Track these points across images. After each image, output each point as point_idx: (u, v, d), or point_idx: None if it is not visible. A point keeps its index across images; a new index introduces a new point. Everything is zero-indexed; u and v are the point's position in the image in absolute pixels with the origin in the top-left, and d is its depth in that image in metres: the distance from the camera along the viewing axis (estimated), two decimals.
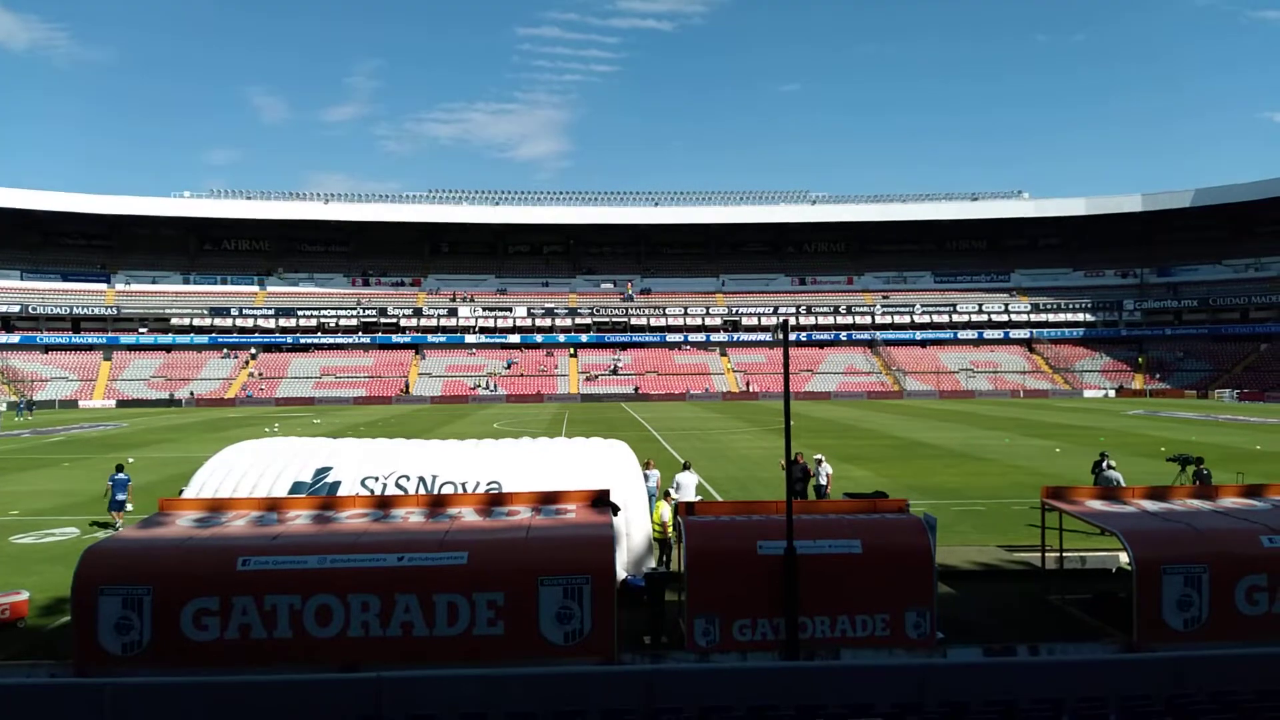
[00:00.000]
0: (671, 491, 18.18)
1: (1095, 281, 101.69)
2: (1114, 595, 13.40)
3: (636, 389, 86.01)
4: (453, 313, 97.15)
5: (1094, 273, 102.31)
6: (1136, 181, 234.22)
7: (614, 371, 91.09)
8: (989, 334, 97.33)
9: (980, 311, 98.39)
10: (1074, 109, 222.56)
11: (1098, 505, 13.67)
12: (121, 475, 20.84)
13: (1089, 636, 12.38)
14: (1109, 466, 20.03)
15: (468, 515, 12.51)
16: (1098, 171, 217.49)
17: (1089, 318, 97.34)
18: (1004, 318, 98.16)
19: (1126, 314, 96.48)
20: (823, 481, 20.44)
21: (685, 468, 19.87)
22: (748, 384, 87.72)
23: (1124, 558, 14.69)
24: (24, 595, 13.44)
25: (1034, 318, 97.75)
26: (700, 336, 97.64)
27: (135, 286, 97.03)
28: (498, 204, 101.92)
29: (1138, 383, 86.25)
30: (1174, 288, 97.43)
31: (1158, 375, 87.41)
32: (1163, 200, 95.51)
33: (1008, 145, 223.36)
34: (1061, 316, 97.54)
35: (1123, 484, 18.30)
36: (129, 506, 20.65)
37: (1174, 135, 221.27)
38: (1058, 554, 15.15)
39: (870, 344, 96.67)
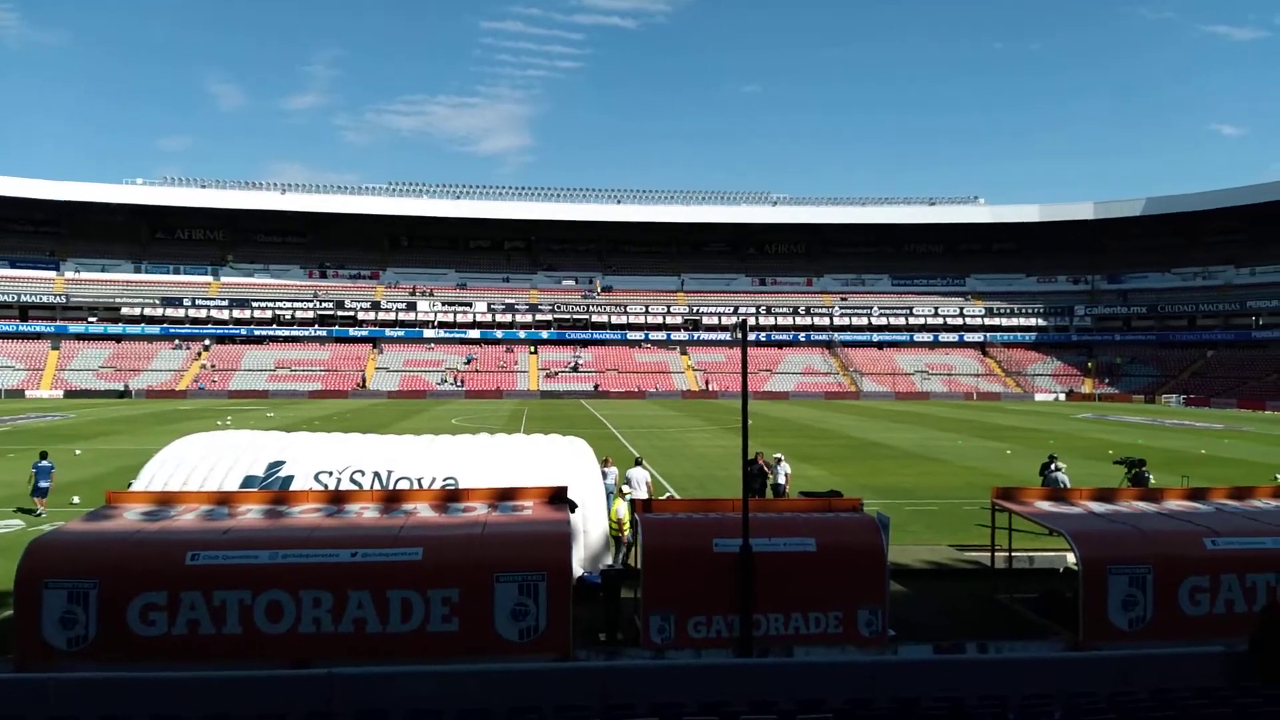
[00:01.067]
0: (624, 488, 18.24)
1: (1048, 287, 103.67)
2: (1061, 594, 13.66)
3: (597, 386, 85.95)
4: (412, 307, 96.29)
5: (1047, 278, 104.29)
6: (1091, 186, 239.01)
7: (574, 369, 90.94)
8: (944, 337, 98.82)
9: (936, 315, 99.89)
10: (1029, 114, 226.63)
11: (1046, 506, 13.93)
12: (45, 463, 21.16)
13: (1036, 635, 12.62)
14: (1056, 468, 20.42)
15: (423, 511, 12.42)
16: (1054, 175, 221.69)
17: (1041, 322, 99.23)
18: (959, 321, 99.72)
19: (1078, 319, 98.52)
20: (781, 480, 20.59)
21: (637, 463, 19.95)
22: (707, 383, 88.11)
23: (1071, 558, 14.99)
24: None
25: (988, 321, 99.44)
26: (661, 335, 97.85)
27: (85, 275, 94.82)
28: (459, 198, 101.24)
29: (1087, 387, 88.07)
30: (1124, 294, 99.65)
31: (1107, 380, 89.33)
32: (1114, 209, 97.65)
33: (965, 147, 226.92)
34: (1015, 321, 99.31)
35: (1069, 485, 18.67)
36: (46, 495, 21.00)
37: (1127, 143, 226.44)
38: (1007, 554, 15.42)
39: (828, 345, 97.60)
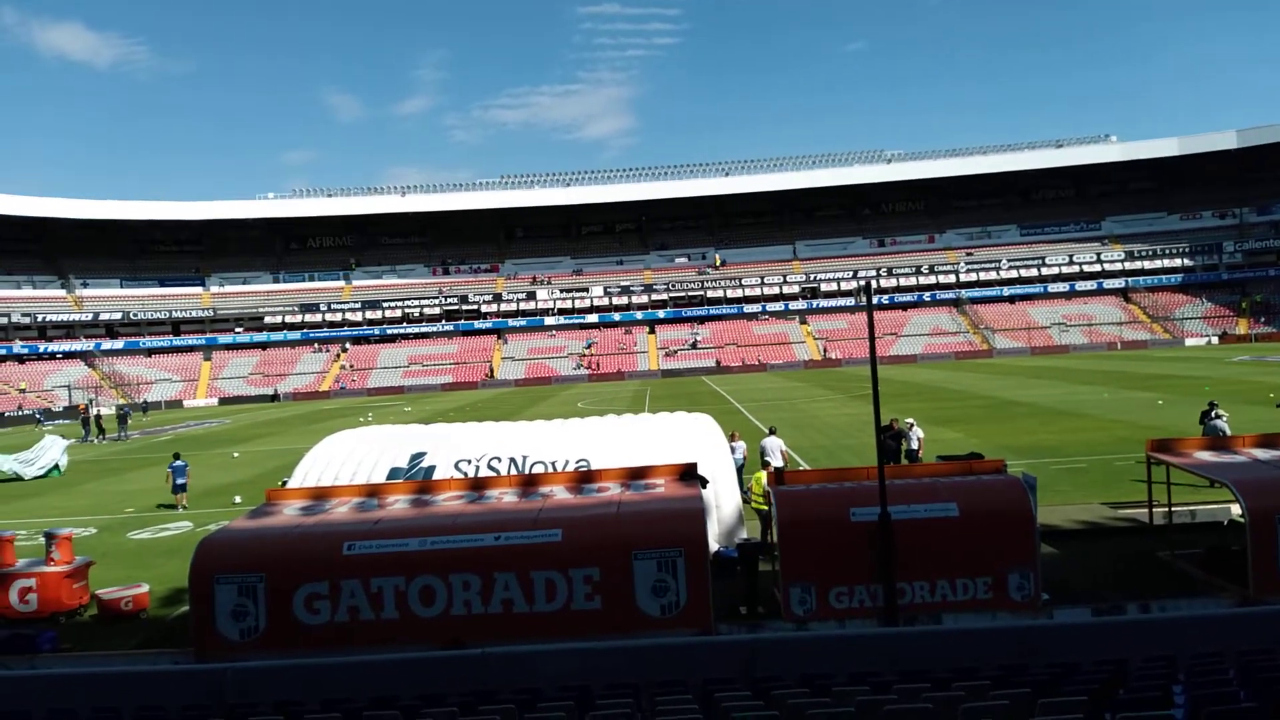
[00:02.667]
0: (763, 457, 18.42)
1: (1192, 224, 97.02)
2: (1227, 548, 12.88)
3: (717, 362, 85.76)
4: (531, 296, 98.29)
5: (1190, 215, 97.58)
6: (1233, 114, 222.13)
7: (693, 346, 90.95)
8: (1081, 286, 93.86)
9: (1071, 263, 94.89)
10: (1160, 41, 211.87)
11: (1206, 456, 13.15)
12: (179, 463, 23.57)
13: (1202, 592, 11.95)
14: (1216, 416, 19.22)
15: (559, 493, 12.71)
16: (1191, 106, 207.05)
17: (1187, 263, 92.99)
18: (1096, 268, 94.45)
19: (1227, 256, 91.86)
20: (914, 446, 20.11)
21: (771, 432, 19.97)
22: (829, 351, 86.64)
23: (1236, 509, 14.11)
24: (144, 588, 14.14)
25: (1128, 266, 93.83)
26: (778, 305, 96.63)
27: (228, 288, 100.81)
28: (569, 185, 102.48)
29: (1242, 328, 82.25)
30: (1276, 225, 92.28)
31: (1263, 319, 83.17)
32: (1260, 135, 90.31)
33: (1092, 83, 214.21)
34: (1157, 263, 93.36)
35: (1229, 434, 17.53)
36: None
37: (1269, 65, 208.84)
38: (1165, 509, 14.63)
39: (955, 303, 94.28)
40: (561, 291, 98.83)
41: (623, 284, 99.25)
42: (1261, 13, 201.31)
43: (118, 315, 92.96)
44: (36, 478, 31.29)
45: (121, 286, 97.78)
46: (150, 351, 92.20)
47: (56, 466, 32.31)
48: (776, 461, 18.82)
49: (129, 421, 49.92)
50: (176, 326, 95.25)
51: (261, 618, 10.77)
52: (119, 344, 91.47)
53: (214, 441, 42.45)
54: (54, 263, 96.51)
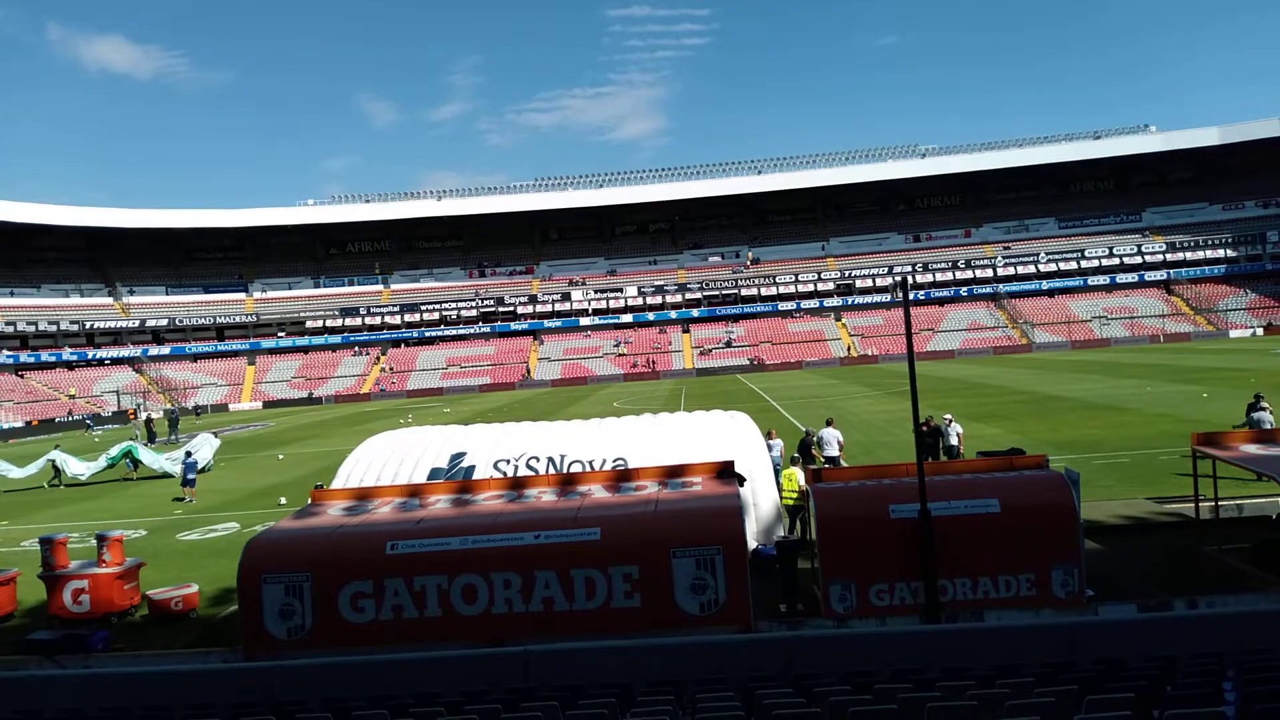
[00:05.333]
0: (815, 448, 19.27)
1: (1235, 214, 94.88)
2: (1276, 543, 12.64)
3: (752, 360, 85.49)
4: (566, 297, 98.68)
5: (1233, 205, 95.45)
6: (1275, 102, 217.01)
7: (728, 344, 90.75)
8: (1122, 278, 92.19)
9: (1111, 255, 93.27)
10: (1199, 29, 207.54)
11: (1253, 449, 12.91)
12: (191, 459, 26.36)
13: (1251, 587, 11.73)
14: (1262, 408, 18.86)
15: (597, 492, 12.78)
16: (1230, 95, 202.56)
17: (1230, 253, 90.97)
18: (1137, 260, 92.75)
19: (1271, 246, 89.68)
20: (954, 442, 19.95)
21: (828, 424, 20.30)
22: (865, 348, 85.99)
23: None
24: (194, 588, 14.45)
25: (1170, 257, 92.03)
26: (813, 303, 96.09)
27: (271, 294, 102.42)
28: (601, 186, 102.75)
29: None
30: None
31: None
32: None
33: (1130, 72, 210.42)
34: (1200, 254, 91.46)
35: (1272, 425, 17.18)
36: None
37: None
38: (1212, 503, 14.37)
39: (993, 297, 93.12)
40: (596, 292, 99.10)
41: (657, 284, 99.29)
42: None
43: (164, 322, 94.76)
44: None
45: (167, 294, 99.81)
46: (196, 357, 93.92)
47: (207, 466, 32.89)
48: (833, 451, 19.22)
49: (179, 424, 50.87)
50: (221, 332, 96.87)
51: (308, 616, 10.97)
52: (165, 350, 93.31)
53: (259, 444, 43.14)
54: (101, 271, 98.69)
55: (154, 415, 55.07)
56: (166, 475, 31.11)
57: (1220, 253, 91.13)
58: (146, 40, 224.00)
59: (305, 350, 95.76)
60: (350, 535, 11.64)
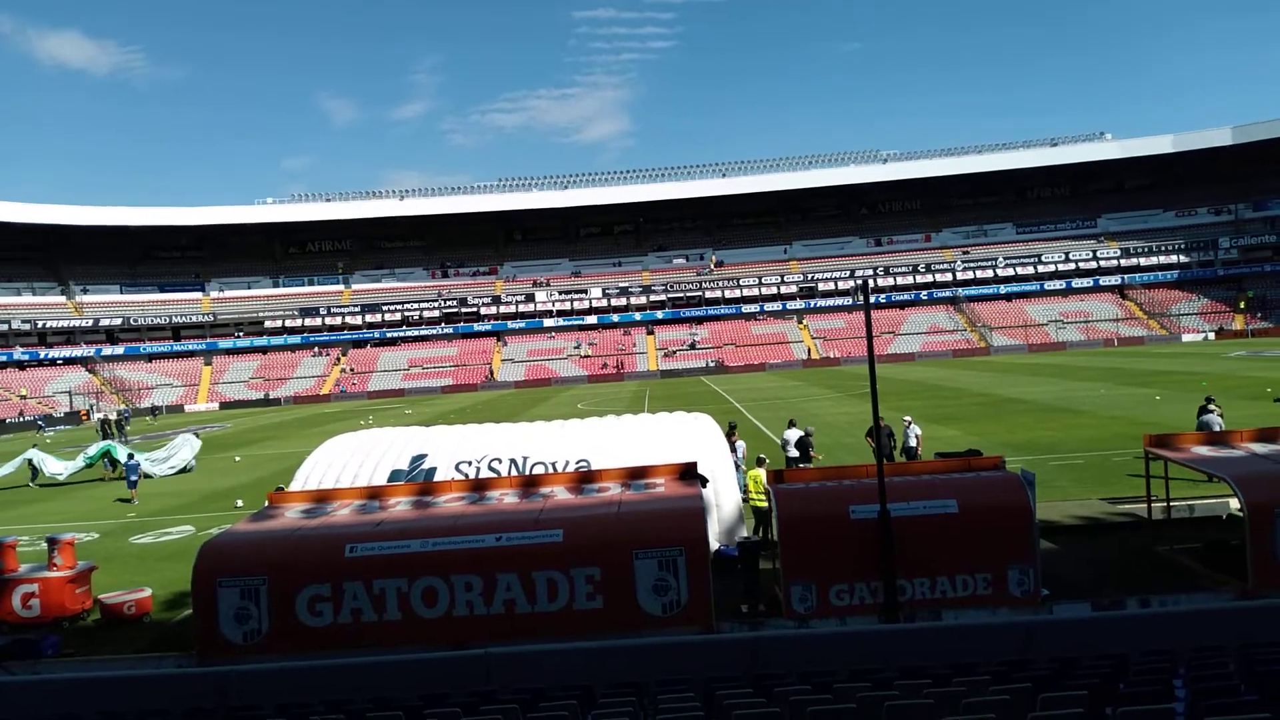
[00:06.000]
0: (786, 447, 19.65)
1: (1187, 221, 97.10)
2: (1226, 543, 12.93)
3: (716, 362, 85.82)
4: (530, 298, 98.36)
5: (1186, 212, 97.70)
6: (1227, 112, 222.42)
7: (692, 346, 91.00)
8: (1077, 283, 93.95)
9: (1067, 260, 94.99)
10: (1154, 39, 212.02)
11: (1204, 451, 13.19)
12: (132, 462, 26.88)
13: (1202, 586, 11.99)
14: (1209, 411, 19.30)
15: (560, 494, 12.75)
16: (1185, 104, 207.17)
17: (1183, 259, 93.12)
18: (1092, 265, 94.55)
19: (1223, 252, 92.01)
20: (913, 443, 20.20)
21: (791, 424, 20.38)
22: (827, 350, 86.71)
23: (1234, 503, 14.16)
24: (147, 592, 14.19)
25: (1124, 263, 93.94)
26: (776, 305, 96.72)
27: (229, 293, 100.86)
28: (566, 188, 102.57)
29: (1238, 323, 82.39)
30: (1271, 221, 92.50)
31: (1259, 314, 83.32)
32: (1255, 132, 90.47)
33: (1086, 82, 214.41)
34: (1153, 260, 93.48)
35: (1218, 428, 17.59)
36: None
37: (1262, 62, 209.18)
38: (1164, 504, 14.68)
39: (952, 301, 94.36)
40: (560, 293, 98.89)
41: (621, 285, 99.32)
42: (1259, 16, 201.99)
43: (118, 321, 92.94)
44: (166, 476, 31.41)
45: (122, 292, 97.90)
46: (151, 357, 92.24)
47: (186, 466, 32.38)
48: (794, 453, 19.39)
49: (127, 427, 49.94)
50: (177, 332, 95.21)
51: (264, 620, 10.82)
52: (119, 349, 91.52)
53: (215, 446, 42.43)
54: (54, 269, 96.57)
55: (110, 416, 54.00)
56: (146, 476, 30.63)
57: (1173, 258, 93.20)
58: (103, 35, 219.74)
59: (264, 351, 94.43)
60: (308, 538, 11.50)
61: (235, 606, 10.85)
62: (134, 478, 26.08)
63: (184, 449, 32.61)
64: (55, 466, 30.63)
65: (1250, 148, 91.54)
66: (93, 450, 30.98)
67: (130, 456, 27.78)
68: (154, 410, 75.16)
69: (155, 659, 11.73)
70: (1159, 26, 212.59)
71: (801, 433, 20.41)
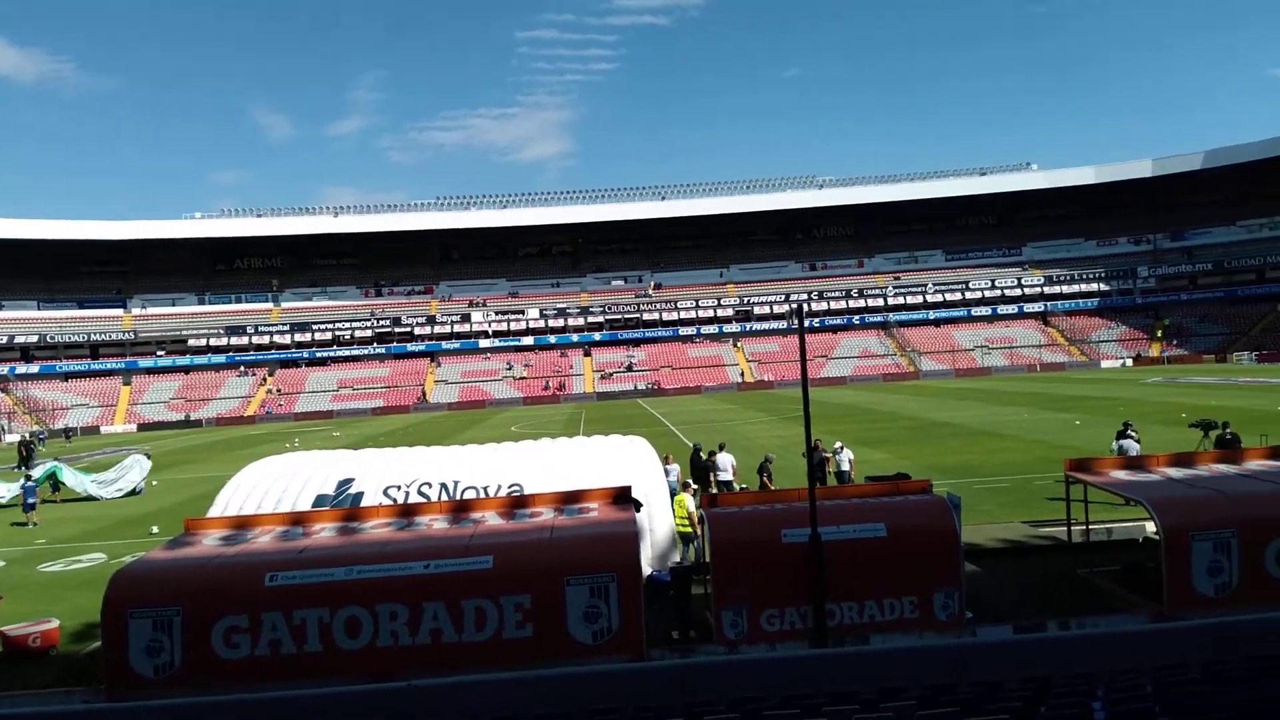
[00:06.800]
0: (716, 474, 19.42)
1: (1109, 250, 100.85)
2: (1143, 565, 13.30)
3: (653, 384, 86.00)
4: (466, 318, 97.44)
5: (1107, 241, 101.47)
6: (1147, 143, 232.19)
7: (629, 368, 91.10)
8: (1003, 309, 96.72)
9: (993, 287, 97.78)
10: (1076, 74, 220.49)
11: (1122, 475, 13.57)
12: (30, 484, 26.09)
13: (1120, 609, 12.29)
14: (1126, 436, 19.92)
15: (491, 519, 12.54)
16: (1108, 135, 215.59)
17: (1103, 287, 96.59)
18: (1017, 292, 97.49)
19: (1141, 281, 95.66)
20: (845, 467, 20.43)
21: (721, 448, 20.42)
22: (762, 373, 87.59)
23: (1151, 527, 14.58)
24: (54, 623, 13.55)
25: (1048, 290, 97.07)
26: (713, 328, 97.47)
27: (151, 310, 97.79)
28: (505, 207, 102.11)
29: (1155, 350, 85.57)
30: (1188, 252, 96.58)
31: (1175, 342, 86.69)
32: (1173, 164, 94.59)
33: (1013, 113, 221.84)
34: (1075, 288, 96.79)
35: (1131, 453, 18.15)
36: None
37: (1181, 96, 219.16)
38: (1084, 527, 15.06)
39: (884, 326, 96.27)
40: (497, 314, 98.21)
41: (559, 306, 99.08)
42: (1172, 54, 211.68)
43: (34, 338, 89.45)
44: (112, 499, 30.05)
45: (39, 308, 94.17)
46: (67, 375, 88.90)
47: (135, 489, 31.06)
48: (727, 476, 19.45)
49: (41, 448, 48.00)
50: (95, 350, 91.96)
51: (177, 653, 10.39)
52: (34, 368, 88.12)
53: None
54: None
55: (26, 436, 51.78)
56: (91, 498, 29.63)
57: (1094, 286, 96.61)
58: (29, 43, 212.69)
59: (186, 370, 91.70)
60: (226, 566, 11.09)
61: (147, 638, 10.40)
62: (31, 500, 25.23)
63: (133, 470, 31.47)
64: None
65: (1169, 179, 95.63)
66: (37, 472, 29.79)
67: (27, 479, 26.82)
68: (68, 432, 72.35)
69: (62, 694, 11.19)
70: (1085, 58, 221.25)
71: (732, 457, 20.55)
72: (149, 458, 33.66)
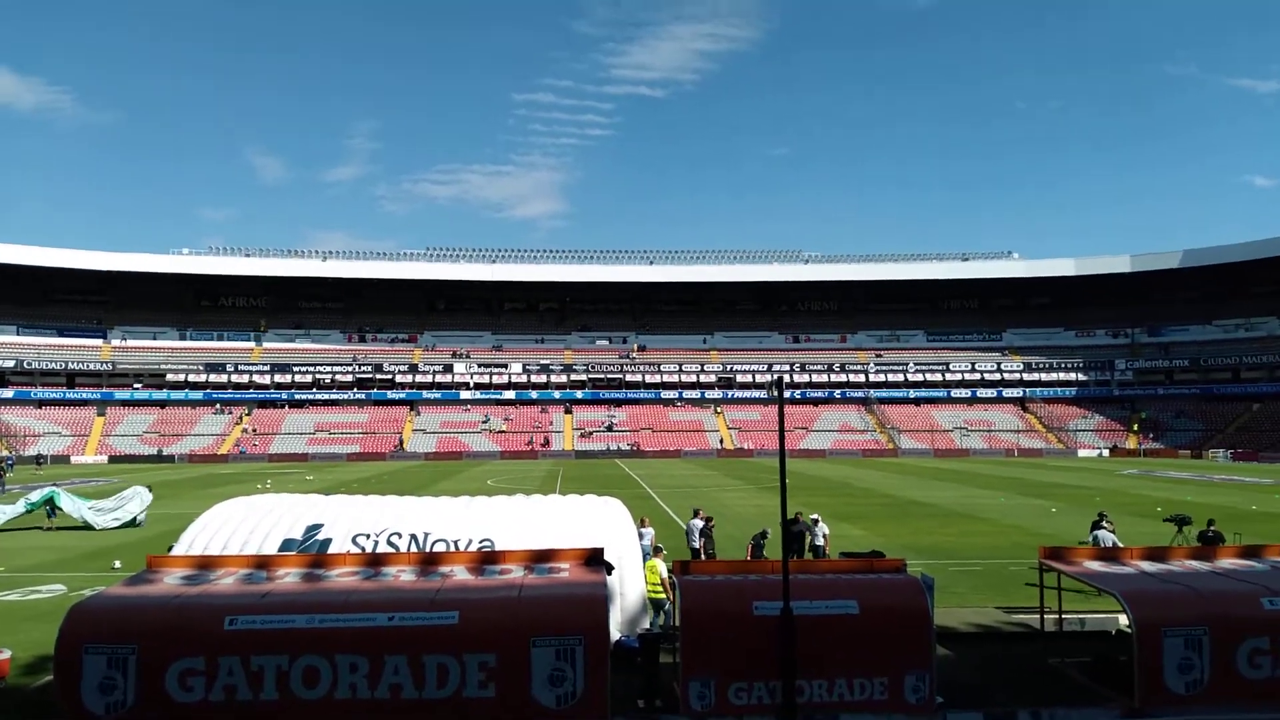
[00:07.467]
0: (691, 536, 19.52)
1: (1087, 341, 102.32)
2: (1114, 658, 13.21)
3: (633, 445, 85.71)
4: (448, 369, 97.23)
5: (1086, 332, 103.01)
6: (1127, 237, 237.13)
7: (609, 428, 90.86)
8: (982, 393, 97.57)
9: (973, 370, 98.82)
10: (1059, 168, 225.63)
11: (1096, 566, 13.56)
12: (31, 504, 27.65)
13: (1090, 701, 12.18)
14: (1101, 527, 19.95)
15: (459, 574, 12.34)
16: (1089, 227, 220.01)
17: (1081, 377, 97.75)
18: (997, 376, 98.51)
19: (1119, 374, 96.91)
20: (820, 541, 20.31)
21: (695, 514, 20.33)
22: (742, 441, 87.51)
23: (1124, 619, 14.52)
24: (6, 654, 13.15)
25: (1027, 377, 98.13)
26: (695, 393, 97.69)
27: (131, 342, 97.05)
28: (494, 262, 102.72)
29: (1131, 442, 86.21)
30: (1165, 347, 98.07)
31: (1151, 435, 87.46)
32: (1151, 261, 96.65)
33: (997, 201, 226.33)
34: (1054, 375, 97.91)
35: (1106, 544, 18.16)
36: None
37: (1161, 195, 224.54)
38: (1057, 615, 14.98)
39: (864, 402, 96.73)
40: (480, 366, 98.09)
41: (542, 362, 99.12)
42: (1153, 146, 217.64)
43: (10, 363, 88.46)
44: (108, 529, 29.39)
45: (18, 334, 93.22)
46: (41, 403, 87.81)
47: (134, 520, 30.47)
48: (697, 543, 19.34)
49: (9, 474, 47.15)
50: (72, 378, 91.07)
51: (130, 693, 10.09)
52: (9, 393, 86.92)
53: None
54: None
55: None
56: (87, 526, 29.01)
57: (1072, 375, 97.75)
58: (29, 71, 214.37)
59: (163, 405, 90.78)
60: (186, 607, 10.84)
61: (101, 675, 10.11)
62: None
63: (133, 501, 30.93)
64: None
65: (1147, 275, 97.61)
66: (35, 497, 29.21)
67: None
68: (39, 459, 71.16)
69: None
70: (1065, 158, 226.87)
71: (702, 523, 20.38)
72: (150, 491, 33.04)
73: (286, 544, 14.68)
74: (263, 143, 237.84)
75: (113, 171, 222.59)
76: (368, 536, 14.92)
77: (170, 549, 15.53)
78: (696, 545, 19.77)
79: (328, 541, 14.76)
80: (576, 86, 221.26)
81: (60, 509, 29.34)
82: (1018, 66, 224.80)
